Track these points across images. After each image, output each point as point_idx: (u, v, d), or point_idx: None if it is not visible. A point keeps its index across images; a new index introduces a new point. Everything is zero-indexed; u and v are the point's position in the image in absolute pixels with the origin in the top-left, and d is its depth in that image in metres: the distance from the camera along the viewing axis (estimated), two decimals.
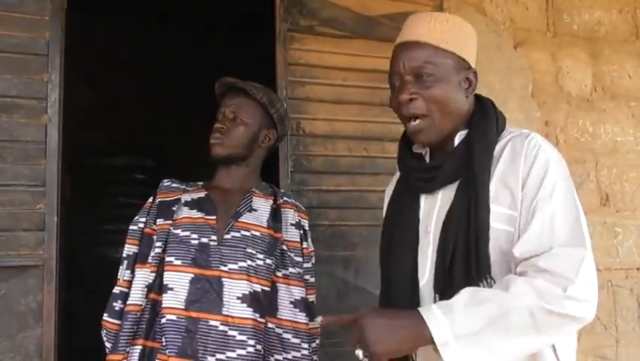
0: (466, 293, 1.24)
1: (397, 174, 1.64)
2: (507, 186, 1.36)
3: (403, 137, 1.60)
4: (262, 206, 1.93)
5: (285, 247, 1.90)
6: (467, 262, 1.33)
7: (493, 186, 1.37)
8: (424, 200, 1.51)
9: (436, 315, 1.21)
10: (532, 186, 1.33)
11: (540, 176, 1.33)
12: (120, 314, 1.79)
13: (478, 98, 1.52)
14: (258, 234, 1.85)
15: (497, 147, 1.42)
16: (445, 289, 1.34)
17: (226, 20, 4.98)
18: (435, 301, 1.36)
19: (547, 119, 3.14)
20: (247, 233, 1.84)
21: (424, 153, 1.55)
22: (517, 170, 1.35)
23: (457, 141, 1.46)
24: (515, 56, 3.11)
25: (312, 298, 1.94)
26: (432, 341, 1.20)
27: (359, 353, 1.26)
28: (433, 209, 1.47)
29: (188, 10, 4.87)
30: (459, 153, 1.43)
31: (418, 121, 1.44)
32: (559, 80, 3.20)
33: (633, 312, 3.17)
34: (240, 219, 1.86)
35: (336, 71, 2.68)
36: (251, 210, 1.90)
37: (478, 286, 1.30)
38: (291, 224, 1.96)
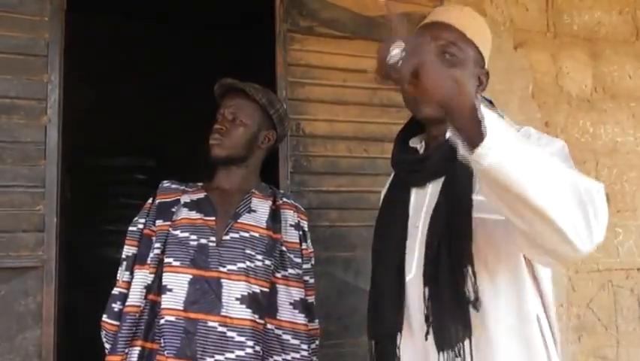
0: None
1: (392, 175, 1.65)
2: None
3: (400, 132, 1.61)
4: (261, 207, 1.93)
5: (284, 248, 1.90)
6: (451, 255, 1.32)
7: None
8: (414, 194, 1.51)
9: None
10: None
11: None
12: (119, 315, 1.78)
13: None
14: (257, 235, 1.85)
15: None
16: (433, 283, 1.34)
17: (226, 20, 4.98)
18: (424, 296, 1.36)
19: (548, 120, 3.14)
20: (246, 234, 1.84)
21: (419, 148, 1.55)
22: None
23: (448, 134, 1.45)
24: (515, 57, 3.11)
25: (311, 299, 1.94)
26: (476, 121, 1.05)
27: (396, 50, 1.03)
28: (423, 203, 1.47)
29: (188, 10, 4.87)
30: (447, 147, 1.38)
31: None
32: (559, 80, 3.20)
33: (634, 312, 3.17)
34: (239, 220, 1.86)
35: (336, 72, 2.68)
36: (250, 211, 1.90)
37: (463, 282, 1.29)
38: (291, 225, 1.95)
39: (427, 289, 1.36)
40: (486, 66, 1.52)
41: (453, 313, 1.31)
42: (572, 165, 1.30)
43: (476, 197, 1.34)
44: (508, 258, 1.34)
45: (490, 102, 1.52)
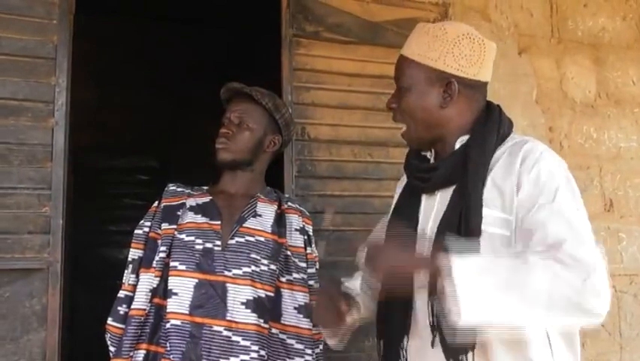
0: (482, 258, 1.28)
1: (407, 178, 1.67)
2: (500, 190, 1.37)
3: None
4: (266, 211, 1.93)
5: (289, 253, 1.90)
6: None
7: (487, 190, 1.38)
8: (424, 201, 1.53)
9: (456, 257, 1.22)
10: (531, 191, 1.33)
11: (541, 183, 1.33)
12: (124, 318, 1.79)
13: (488, 106, 1.54)
14: (262, 239, 1.85)
15: (497, 154, 1.44)
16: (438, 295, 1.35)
17: (233, 24, 4.99)
18: (429, 308, 1.39)
19: (552, 125, 3.14)
20: (251, 238, 1.84)
21: (429, 155, 1.58)
22: (511, 175, 1.37)
23: (457, 145, 1.48)
24: (520, 62, 3.11)
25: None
26: (441, 271, 1.22)
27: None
28: (431, 211, 1.49)
29: (195, 13, 4.89)
30: (456, 157, 1.46)
31: (403, 127, 1.55)
32: (563, 86, 3.21)
33: (638, 318, 3.16)
34: (244, 225, 1.86)
35: (341, 77, 2.69)
36: (255, 215, 1.90)
37: None
38: (295, 229, 1.96)
39: (431, 300, 1.38)
40: (466, 72, 1.47)
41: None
42: (576, 194, 1.35)
43: (486, 210, 1.36)
44: None
45: (497, 109, 1.53)
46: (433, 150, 1.56)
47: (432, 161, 1.56)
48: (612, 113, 3.29)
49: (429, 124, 1.50)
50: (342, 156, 2.67)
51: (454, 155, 1.47)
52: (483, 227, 1.35)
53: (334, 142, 2.67)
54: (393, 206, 1.67)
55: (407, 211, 1.56)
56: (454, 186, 1.44)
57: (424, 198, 1.54)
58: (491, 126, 1.47)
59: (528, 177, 1.34)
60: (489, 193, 1.37)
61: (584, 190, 3.08)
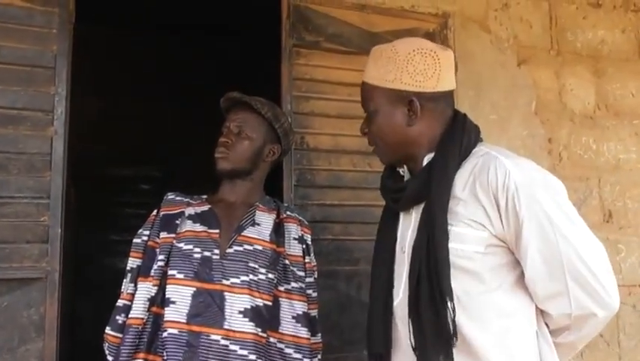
0: None
1: None
2: (466, 205, 1.40)
3: None
4: (265, 220, 1.93)
5: (287, 262, 1.89)
6: (432, 288, 1.36)
7: (453, 209, 1.40)
8: (402, 218, 1.56)
9: None
10: (512, 215, 1.36)
11: (519, 204, 1.35)
12: (122, 327, 1.78)
13: (454, 116, 1.55)
14: (260, 248, 1.85)
15: (460, 170, 1.45)
16: (416, 315, 1.39)
17: (235, 34, 5.02)
18: (409, 327, 1.40)
19: (551, 137, 3.15)
20: (250, 247, 1.84)
21: (402, 173, 1.62)
22: (481, 190, 1.39)
23: (424, 162, 1.51)
24: (519, 74, 3.12)
25: (314, 313, 1.94)
26: None
27: None
28: (408, 228, 1.52)
29: (197, 23, 4.91)
30: (423, 176, 1.48)
31: (374, 148, 1.60)
32: (562, 97, 3.21)
33: (636, 329, 3.15)
34: (243, 233, 1.86)
35: (340, 87, 2.68)
36: (254, 224, 1.90)
37: (443, 311, 1.33)
38: (294, 238, 1.95)
39: (410, 321, 1.40)
40: (420, 88, 1.49)
41: (435, 344, 1.35)
42: (572, 215, 1.44)
43: (452, 228, 1.38)
44: (492, 286, 1.38)
45: (460, 121, 1.54)
46: (405, 168, 1.60)
47: (406, 177, 1.60)
48: (611, 125, 3.30)
49: (400, 143, 1.53)
50: (341, 165, 2.67)
51: (421, 173, 1.50)
52: (452, 244, 1.37)
53: (333, 151, 2.66)
54: (378, 226, 1.70)
55: (387, 230, 1.61)
56: (424, 203, 1.46)
57: (401, 215, 1.57)
58: (454, 143, 1.47)
59: (507, 203, 1.36)
60: (453, 212, 1.40)
61: (583, 201, 3.08)
